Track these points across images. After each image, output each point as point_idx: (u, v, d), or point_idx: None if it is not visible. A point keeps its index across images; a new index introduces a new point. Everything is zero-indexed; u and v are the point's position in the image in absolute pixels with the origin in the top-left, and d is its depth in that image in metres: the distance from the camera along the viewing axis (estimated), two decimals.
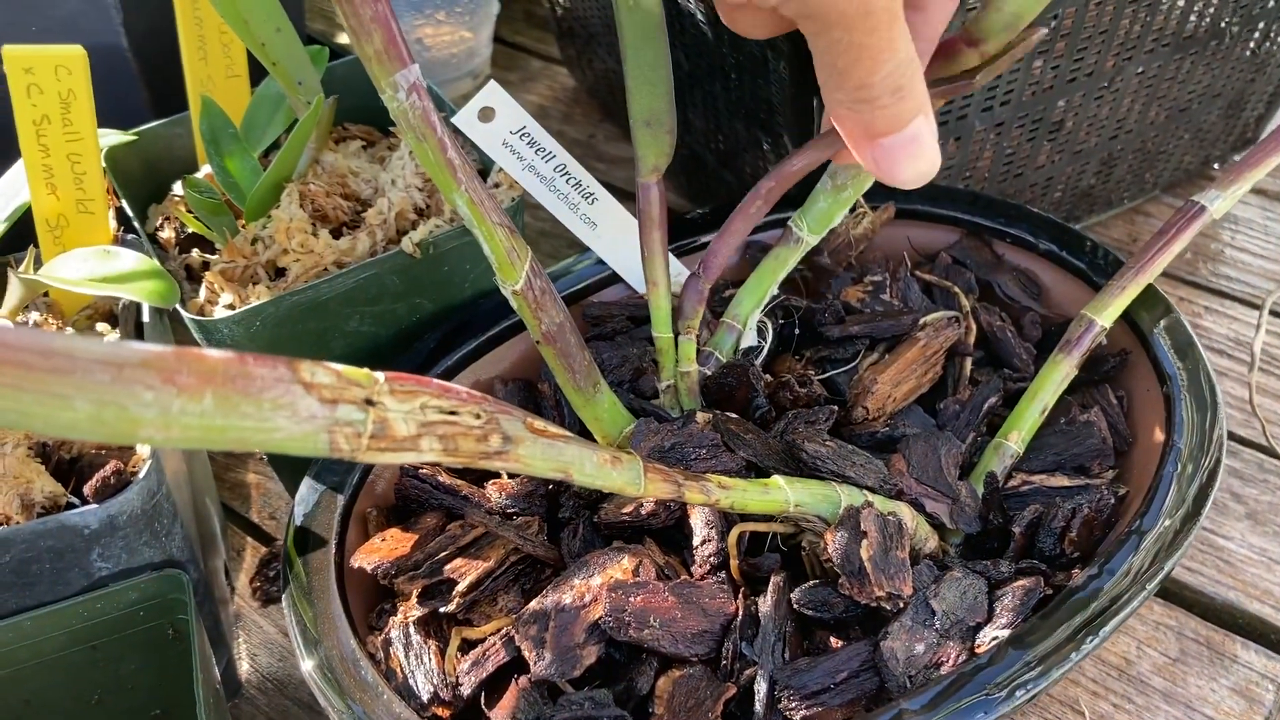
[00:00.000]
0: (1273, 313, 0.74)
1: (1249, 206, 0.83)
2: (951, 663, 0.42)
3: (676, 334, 0.53)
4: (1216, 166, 0.84)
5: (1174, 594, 0.60)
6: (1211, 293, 0.77)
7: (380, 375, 0.33)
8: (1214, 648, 0.57)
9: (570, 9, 0.89)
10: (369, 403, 0.32)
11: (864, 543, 0.44)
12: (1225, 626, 0.58)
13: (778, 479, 0.45)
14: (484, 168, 0.60)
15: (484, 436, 0.35)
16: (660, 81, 0.50)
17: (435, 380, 0.34)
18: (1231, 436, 0.67)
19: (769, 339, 0.56)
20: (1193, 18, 0.67)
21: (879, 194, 0.61)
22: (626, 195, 0.88)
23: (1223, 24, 0.70)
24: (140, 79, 0.72)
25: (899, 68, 0.36)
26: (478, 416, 0.35)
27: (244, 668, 0.60)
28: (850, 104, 0.37)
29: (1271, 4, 0.70)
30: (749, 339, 0.57)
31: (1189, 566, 0.61)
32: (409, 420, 0.33)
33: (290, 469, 0.61)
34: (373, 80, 0.41)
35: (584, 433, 0.51)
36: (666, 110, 0.50)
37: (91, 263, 0.47)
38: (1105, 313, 0.52)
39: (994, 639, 0.43)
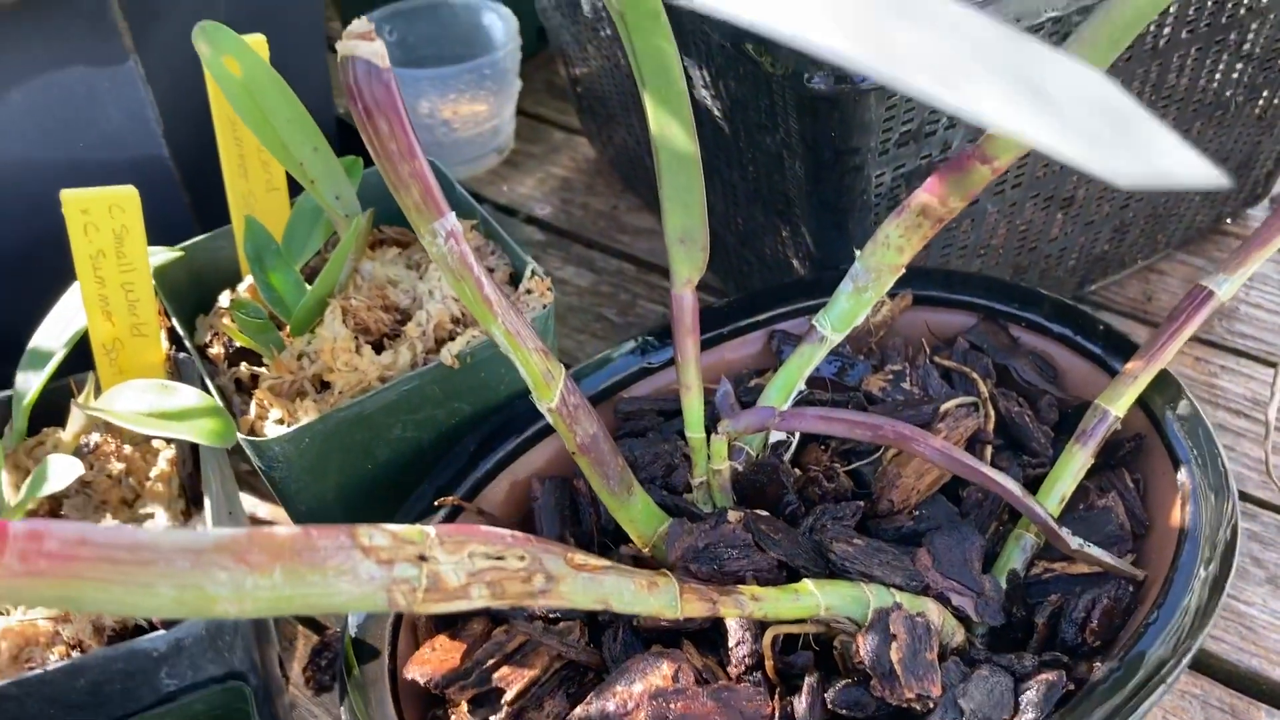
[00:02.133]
0: None
1: (1264, 264, 0.84)
2: None
3: (709, 432, 0.56)
4: (1229, 222, 0.85)
5: (1199, 662, 0.61)
6: (1228, 351, 0.78)
7: (431, 530, 0.35)
8: (1239, 716, 0.59)
9: (589, 89, 0.92)
10: (422, 558, 0.35)
11: (893, 645, 0.46)
12: (1249, 694, 0.60)
13: (808, 583, 0.48)
14: (516, 271, 0.63)
15: (528, 578, 0.37)
16: (694, 204, 0.53)
17: (481, 528, 0.37)
18: (1250, 499, 0.69)
19: (796, 435, 0.59)
20: (1199, 87, 0.69)
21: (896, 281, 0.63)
22: (650, 266, 0.90)
23: (1227, 94, 0.71)
24: (182, 186, 0.75)
25: None
26: (521, 559, 0.37)
27: None
28: None
29: (1274, 73, 0.72)
30: (778, 434, 0.59)
31: (1213, 634, 0.62)
32: (459, 570, 0.35)
33: None
34: (412, 226, 0.43)
35: (619, 530, 0.53)
36: (700, 228, 0.52)
37: (150, 396, 0.49)
38: (1118, 403, 0.54)
39: None
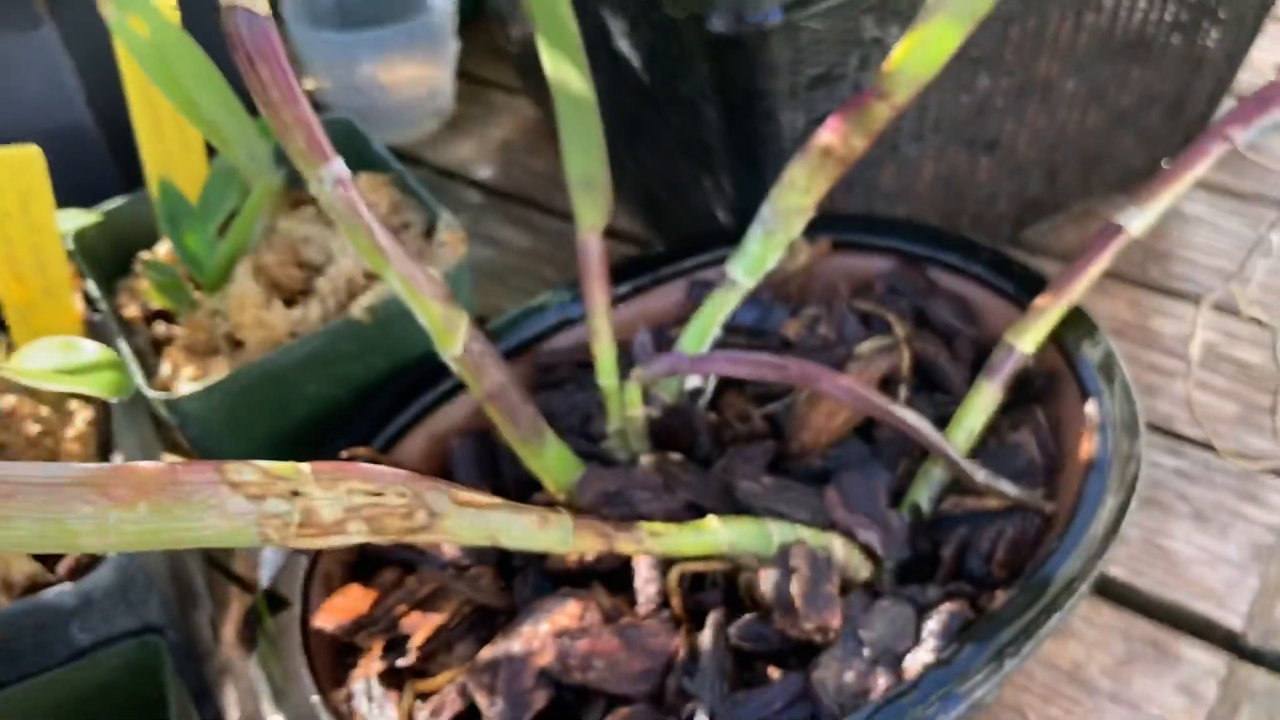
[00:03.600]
0: (1219, 309, 0.76)
1: (1196, 203, 0.84)
2: (880, 689, 0.45)
3: (623, 379, 0.56)
4: (1164, 164, 0.86)
5: (1122, 597, 0.62)
6: (1162, 293, 0.78)
7: (306, 466, 0.35)
8: (1160, 647, 0.59)
9: (526, 48, 0.91)
10: (295, 494, 0.35)
11: (794, 578, 0.46)
12: (1171, 626, 0.60)
13: (711, 520, 0.48)
14: (431, 223, 0.63)
15: (409, 513, 0.38)
16: (593, 147, 0.53)
17: (360, 465, 0.37)
18: (1180, 436, 0.69)
19: (713, 377, 0.59)
20: (1124, 26, 0.69)
21: (816, 226, 0.63)
22: None
23: (1153, 33, 0.71)
24: (108, 151, 0.75)
25: None
26: (402, 495, 0.38)
27: (234, 716, 0.63)
28: None
29: (1201, 12, 0.72)
30: (694, 379, 0.59)
31: (1136, 569, 0.63)
32: (334, 505, 0.36)
33: None
34: (300, 173, 0.43)
35: (538, 481, 0.53)
36: (600, 172, 0.52)
37: (55, 354, 0.50)
38: (1025, 337, 0.54)
39: (921, 664, 0.45)
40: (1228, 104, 0.85)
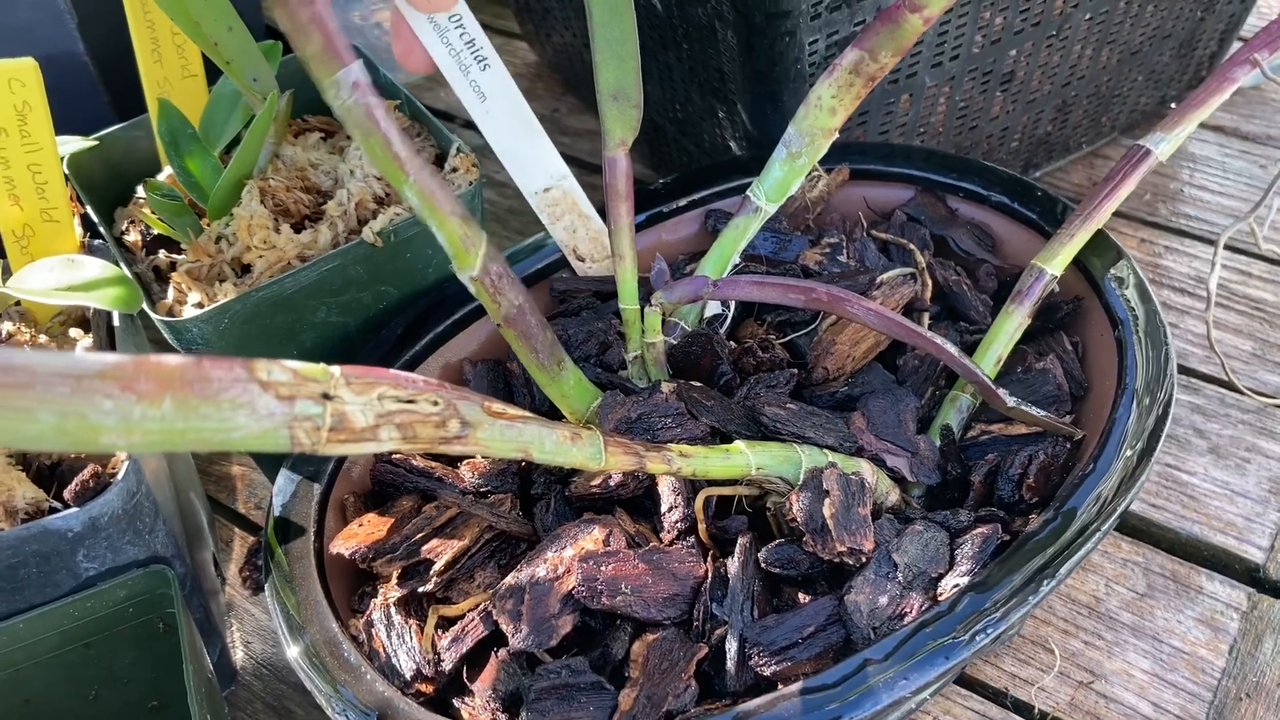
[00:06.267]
0: (1231, 248, 0.76)
1: (1206, 144, 0.84)
2: (915, 613, 0.44)
3: (643, 305, 0.54)
4: (1173, 106, 0.85)
5: (1141, 530, 0.61)
6: (1172, 232, 0.78)
7: (336, 369, 0.34)
8: (1180, 581, 0.59)
9: None
10: (326, 397, 0.33)
11: (826, 501, 0.45)
12: (1190, 559, 0.60)
13: (739, 444, 0.47)
14: (442, 151, 0.61)
15: (442, 422, 0.36)
16: (628, 56, 0.51)
17: (391, 370, 0.35)
18: (1193, 373, 0.68)
19: (732, 306, 0.58)
20: None
21: (833, 156, 0.62)
22: (593, 168, 0.89)
23: None
24: (101, 83, 0.72)
25: None
26: (435, 403, 0.36)
27: (239, 655, 0.61)
28: None
29: None
30: (713, 307, 0.58)
31: (1154, 503, 0.62)
32: (367, 411, 0.34)
33: (271, 460, 0.62)
34: (314, 81, 0.42)
35: (554, 410, 0.52)
36: (634, 84, 0.51)
37: (57, 272, 0.48)
38: (1054, 261, 0.53)
39: (955, 587, 0.44)
40: (1236, 47, 0.84)
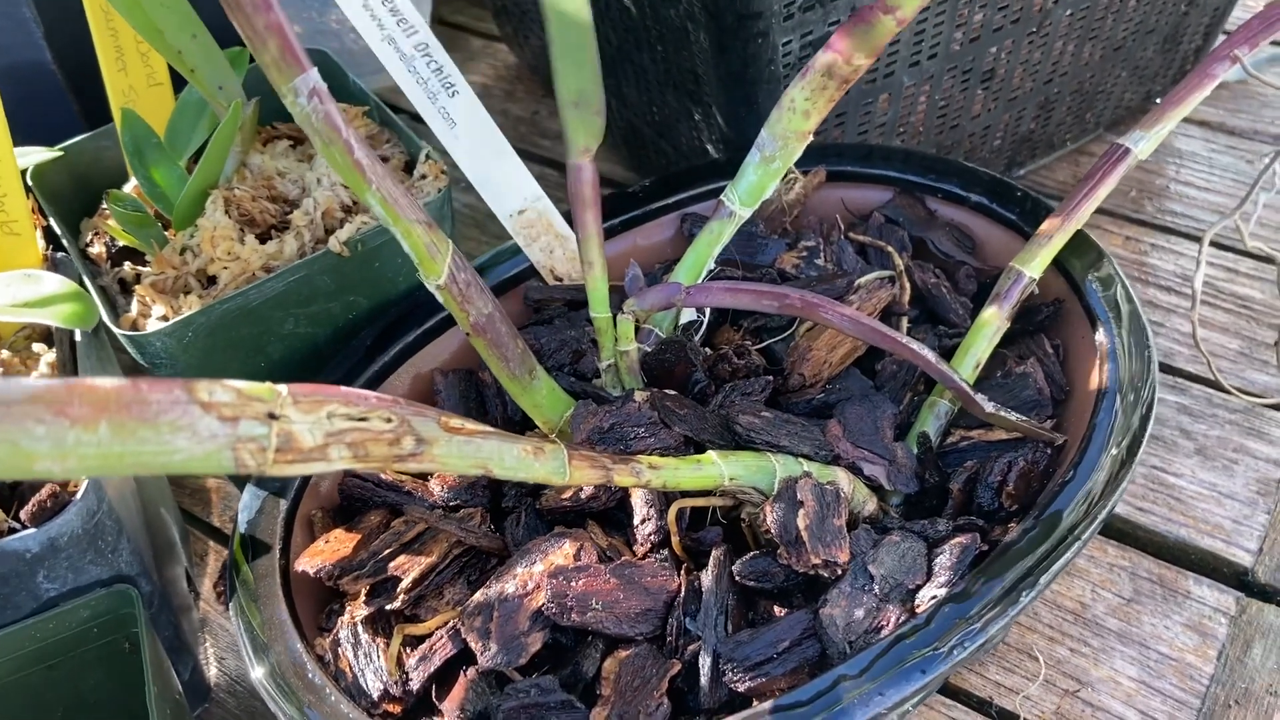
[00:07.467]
0: (1217, 245, 0.75)
1: (1192, 139, 0.83)
2: (891, 625, 0.43)
3: (615, 313, 0.53)
4: (1158, 101, 0.83)
5: (1127, 534, 0.60)
6: (1158, 229, 0.77)
7: (283, 388, 0.33)
8: (1167, 585, 0.58)
9: None
10: (272, 416, 0.32)
11: (801, 512, 0.44)
12: (1178, 563, 0.59)
13: (711, 454, 0.46)
14: (411, 157, 0.60)
15: (395, 440, 0.35)
16: (586, 63, 0.50)
17: (341, 388, 0.35)
18: (1179, 373, 0.67)
19: (708, 312, 0.57)
20: None
21: (810, 157, 0.61)
22: None
23: None
24: (70, 92, 0.71)
25: None
26: (388, 420, 0.35)
27: (212, 672, 0.60)
28: None
29: None
30: (688, 313, 0.57)
31: (1141, 506, 0.61)
32: (315, 430, 0.33)
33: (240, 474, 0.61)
34: (274, 87, 0.41)
35: (528, 421, 0.51)
36: (595, 90, 0.49)
37: (14, 287, 0.47)
38: (1033, 263, 0.52)
39: (933, 598, 0.43)
40: (1220, 41, 0.83)
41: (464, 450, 0.37)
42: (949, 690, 0.55)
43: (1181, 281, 0.73)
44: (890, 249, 0.58)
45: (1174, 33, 0.77)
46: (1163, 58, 0.79)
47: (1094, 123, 0.80)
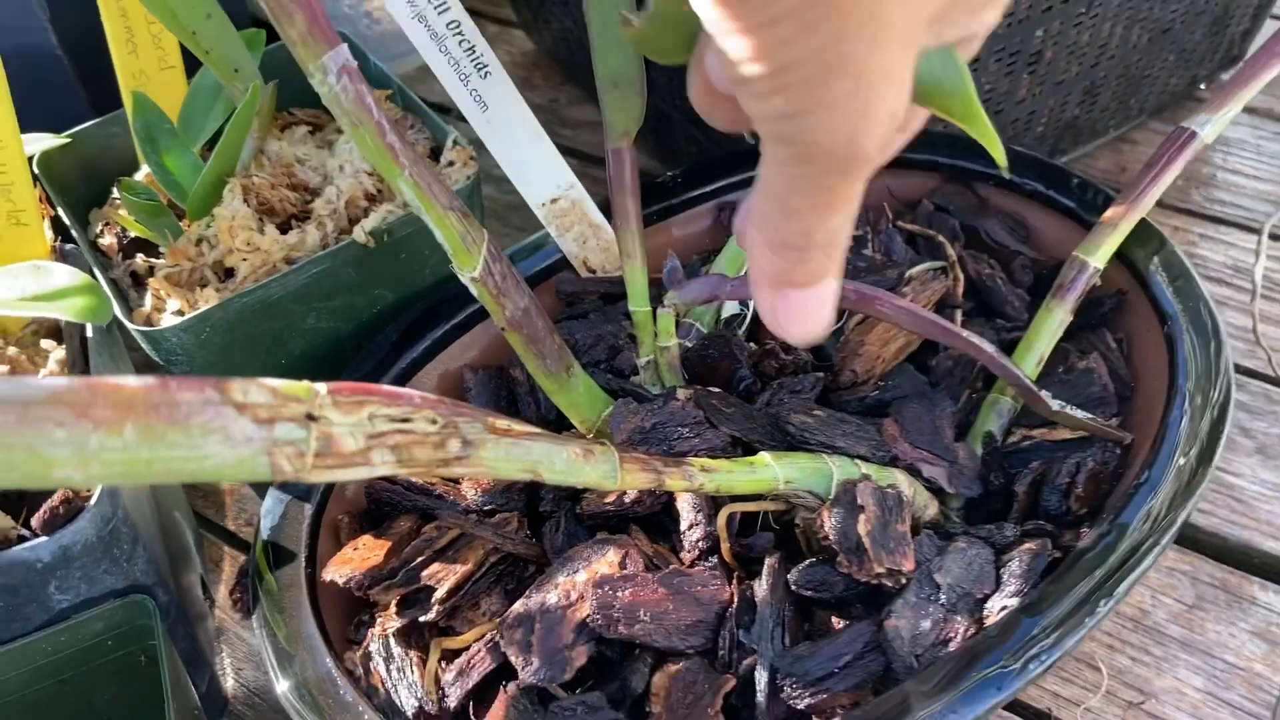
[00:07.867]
0: (1272, 236, 0.72)
1: (1239, 127, 0.80)
2: (960, 638, 0.40)
3: (655, 307, 0.51)
4: (1203, 87, 0.81)
5: (1187, 537, 0.57)
6: (1206, 219, 0.74)
7: (322, 387, 0.30)
8: (1231, 590, 0.55)
9: None
10: (310, 418, 0.29)
11: (861, 518, 0.41)
12: (1241, 568, 0.56)
13: (764, 456, 0.43)
14: (437, 144, 0.57)
15: (441, 443, 0.32)
16: (626, 41, 0.47)
17: (383, 386, 0.32)
18: (1236, 368, 0.65)
19: (751, 305, 0.54)
20: None
21: None
22: (594, 160, 0.85)
23: None
24: (76, 78, 0.69)
25: (844, 223, 0.29)
26: (433, 422, 0.32)
27: (229, 683, 0.58)
28: (779, 246, 0.30)
29: None
30: (730, 307, 0.54)
31: (1201, 508, 0.58)
32: (356, 433, 0.30)
33: None
34: (300, 65, 0.38)
35: (561, 420, 0.48)
36: (635, 70, 0.47)
37: (22, 280, 0.44)
38: (1098, 253, 0.49)
39: (1003, 609, 0.41)
40: (1270, 25, 0.80)
41: (512, 454, 0.34)
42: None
43: (1233, 273, 0.70)
44: (942, 238, 0.55)
45: (1223, 14, 0.74)
46: (1209, 41, 0.76)
47: (1138, 109, 0.77)
